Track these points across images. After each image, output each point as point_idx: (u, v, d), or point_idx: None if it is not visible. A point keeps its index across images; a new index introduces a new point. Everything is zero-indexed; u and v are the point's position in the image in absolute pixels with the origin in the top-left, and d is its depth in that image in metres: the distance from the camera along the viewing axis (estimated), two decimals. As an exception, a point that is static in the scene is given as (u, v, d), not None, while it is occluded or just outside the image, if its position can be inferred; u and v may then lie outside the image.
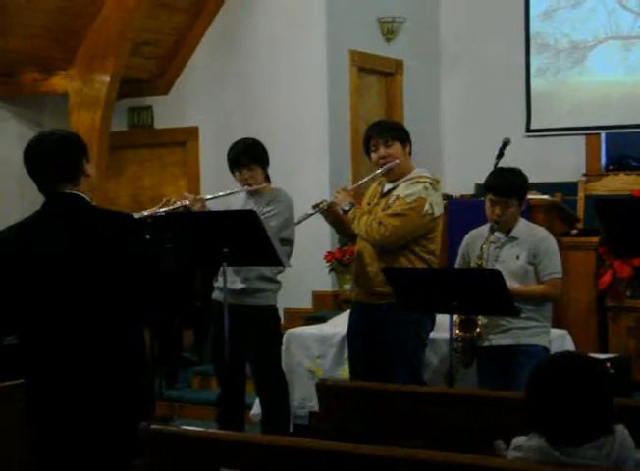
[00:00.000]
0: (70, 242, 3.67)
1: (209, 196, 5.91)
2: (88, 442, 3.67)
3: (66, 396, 3.66)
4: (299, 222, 5.53)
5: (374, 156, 5.44)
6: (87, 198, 3.77)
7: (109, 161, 9.51)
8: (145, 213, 5.58)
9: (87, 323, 3.65)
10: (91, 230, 3.71)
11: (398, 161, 5.36)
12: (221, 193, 5.92)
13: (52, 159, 3.73)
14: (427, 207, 5.26)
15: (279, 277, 5.91)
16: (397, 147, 5.39)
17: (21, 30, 8.65)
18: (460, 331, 5.22)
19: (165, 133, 10.18)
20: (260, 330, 5.82)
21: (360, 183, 5.71)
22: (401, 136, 5.45)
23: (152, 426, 3.43)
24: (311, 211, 5.44)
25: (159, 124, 10.26)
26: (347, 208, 5.38)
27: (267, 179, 5.94)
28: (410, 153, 5.49)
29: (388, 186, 5.46)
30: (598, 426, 2.81)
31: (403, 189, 5.34)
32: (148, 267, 3.76)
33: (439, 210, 5.35)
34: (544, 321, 5.28)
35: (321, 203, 5.45)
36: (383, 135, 5.41)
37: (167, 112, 10.15)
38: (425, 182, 5.33)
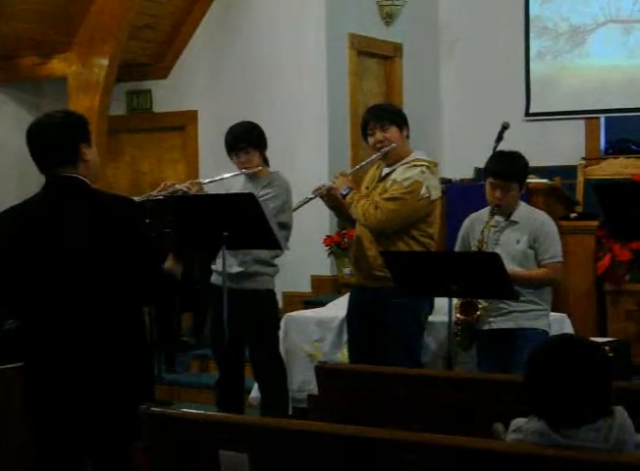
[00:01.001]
0: (68, 225, 3.66)
1: (206, 180, 5.93)
2: (89, 424, 3.67)
3: (66, 379, 3.66)
4: (298, 207, 5.52)
5: (371, 140, 5.43)
6: (87, 181, 3.76)
7: (108, 145, 9.49)
8: (144, 197, 5.60)
9: (87, 305, 3.65)
10: (90, 212, 3.69)
11: (394, 145, 5.35)
12: (217, 177, 5.93)
13: (49, 141, 3.72)
14: (424, 190, 5.25)
15: (278, 260, 5.91)
16: (393, 131, 5.38)
17: (19, 14, 8.62)
18: (461, 314, 5.22)
19: (164, 117, 10.15)
20: (257, 313, 5.82)
21: (358, 167, 5.70)
22: (398, 120, 5.44)
23: (151, 409, 3.44)
24: (310, 196, 5.44)
25: (158, 108, 10.24)
26: (346, 192, 5.38)
27: (265, 162, 5.94)
28: (408, 136, 5.48)
29: (386, 170, 5.46)
30: (597, 408, 2.81)
31: (400, 173, 5.34)
32: (148, 250, 3.75)
33: (436, 193, 5.35)
34: (543, 304, 5.28)
35: (320, 188, 5.45)
36: (379, 119, 5.40)
37: (166, 96, 10.13)
38: (422, 165, 5.32)
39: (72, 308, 3.65)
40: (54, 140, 3.72)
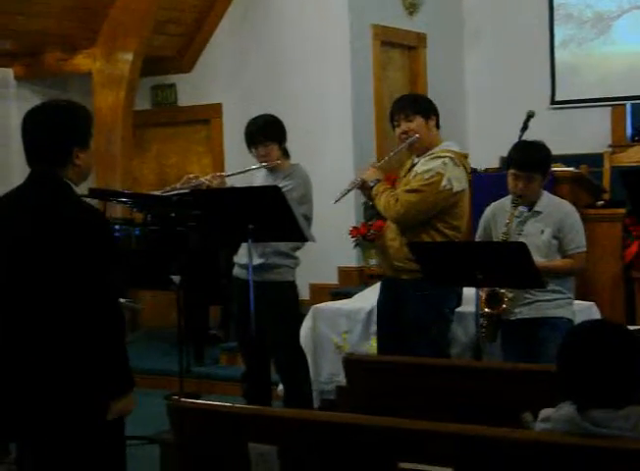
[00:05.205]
0: (27, 223, 3.51)
1: (227, 173, 5.95)
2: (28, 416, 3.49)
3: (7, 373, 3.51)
4: (338, 200, 5.37)
5: (397, 131, 5.42)
6: (70, 184, 3.56)
7: (133, 139, 9.54)
8: (167, 190, 5.63)
9: (38, 306, 3.47)
10: (49, 213, 3.50)
11: (417, 135, 5.32)
12: (238, 171, 5.94)
13: (42, 140, 3.55)
14: (445, 182, 5.21)
15: (302, 252, 5.91)
16: (418, 121, 5.35)
17: (44, 10, 8.67)
18: (487, 307, 5.20)
19: (189, 111, 10.19)
20: (276, 305, 5.82)
21: (387, 158, 5.68)
22: (424, 110, 5.39)
23: (180, 401, 3.45)
24: (347, 188, 5.39)
25: (183, 101, 10.27)
26: (373, 184, 5.36)
27: (286, 154, 5.93)
28: (438, 126, 5.44)
29: (414, 161, 5.45)
30: (627, 395, 2.81)
31: (422, 165, 5.32)
32: (97, 271, 3.47)
33: (460, 185, 5.29)
34: (567, 292, 5.26)
35: (356, 180, 5.44)
36: (404, 110, 5.38)
37: (190, 89, 10.16)
38: (445, 156, 5.27)
39: (24, 310, 3.49)
40: (47, 140, 3.54)
